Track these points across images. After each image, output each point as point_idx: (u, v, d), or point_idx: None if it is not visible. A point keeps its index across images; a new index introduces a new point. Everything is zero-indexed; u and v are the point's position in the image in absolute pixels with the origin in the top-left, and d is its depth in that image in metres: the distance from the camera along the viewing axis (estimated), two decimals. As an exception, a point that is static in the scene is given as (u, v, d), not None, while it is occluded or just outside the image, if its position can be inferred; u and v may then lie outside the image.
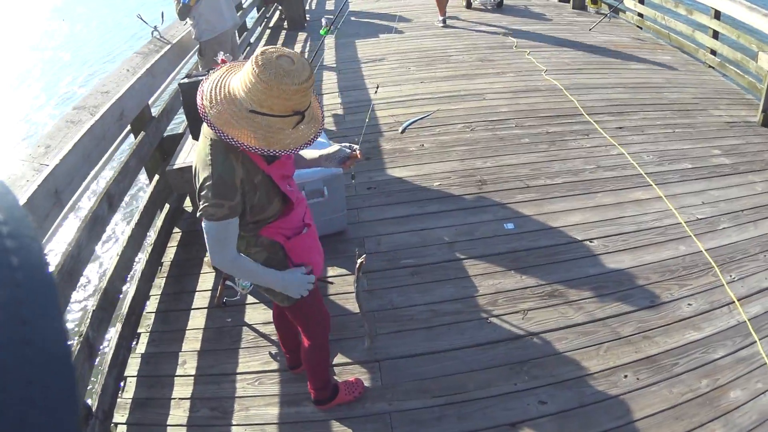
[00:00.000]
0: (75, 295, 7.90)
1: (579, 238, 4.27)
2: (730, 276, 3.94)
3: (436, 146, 5.95)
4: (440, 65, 8.37)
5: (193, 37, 6.19)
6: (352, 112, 7.23)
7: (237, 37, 6.83)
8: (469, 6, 11.33)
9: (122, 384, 3.92)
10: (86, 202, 4.18)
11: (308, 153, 2.84)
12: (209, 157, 2.20)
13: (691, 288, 3.76)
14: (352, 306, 4.02)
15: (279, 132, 2.12)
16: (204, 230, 2.32)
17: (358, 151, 2.78)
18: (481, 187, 5.11)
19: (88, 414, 3.40)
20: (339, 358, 3.68)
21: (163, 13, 5.89)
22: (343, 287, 4.21)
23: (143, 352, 4.14)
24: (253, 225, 2.46)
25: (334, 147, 2.80)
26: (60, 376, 0.36)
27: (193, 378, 3.82)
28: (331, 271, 4.42)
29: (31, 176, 3.36)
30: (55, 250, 4.58)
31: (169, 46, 5.91)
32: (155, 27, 5.82)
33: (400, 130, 6.24)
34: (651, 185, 4.80)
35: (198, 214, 2.28)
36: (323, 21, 5.29)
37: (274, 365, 3.73)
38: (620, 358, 3.33)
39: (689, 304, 3.63)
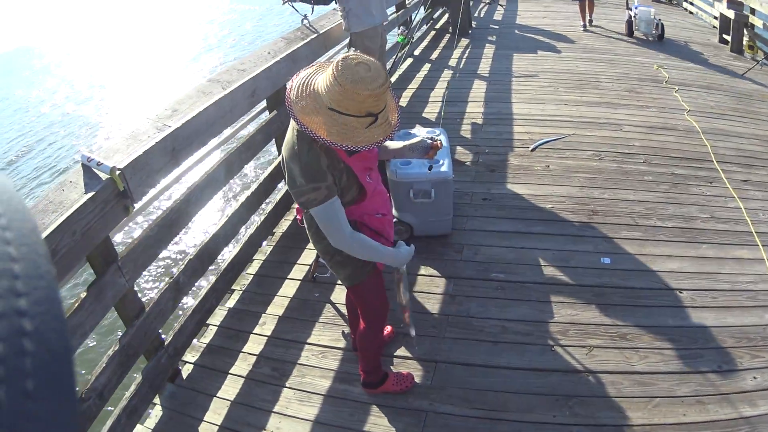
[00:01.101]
0: (177, 246, 8.49)
1: (670, 286, 4.10)
2: (809, 354, 3.64)
3: (561, 169, 5.87)
4: (588, 90, 8.20)
5: (344, 28, 6.39)
6: (490, 123, 7.25)
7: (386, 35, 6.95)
8: (630, 34, 10.97)
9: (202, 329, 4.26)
10: (204, 166, 4.42)
11: (393, 144, 3.01)
12: (296, 147, 2.42)
13: (762, 361, 3.50)
14: (431, 306, 4.17)
15: (353, 130, 2.28)
16: (315, 218, 2.54)
17: (439, 142, 2.98)
18: (591, 216, 5.01)
19: (159, 346, 3.70)
20: (402, 351, 3.82)
21: (313, 1, 6.09)
22: (428, 287, 4.34)
23: (231, 306, 4.50)
24: None
25: (418, 138, 3.00)
26: (59, 371, 0.35)
27: (266, 338, 4.12)
28: (423, 270, 4.53)
29: (152, 133, 3.61)
30: (164, 202, 4.92)
31: (315, 35, 6.06)
32: (305, 15, 6.01)
33: (530, 148, 6.33)
34: (757, 246, 4.50)
35: (302, 206, 2.54)
36: (400, 29, 5.32)
37: (341, 344, 3.94)
38: (666, 417, 3.18)
39: (754, 377, 3.39)
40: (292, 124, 2.46)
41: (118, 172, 3.15)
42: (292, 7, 6.02)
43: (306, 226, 2.88)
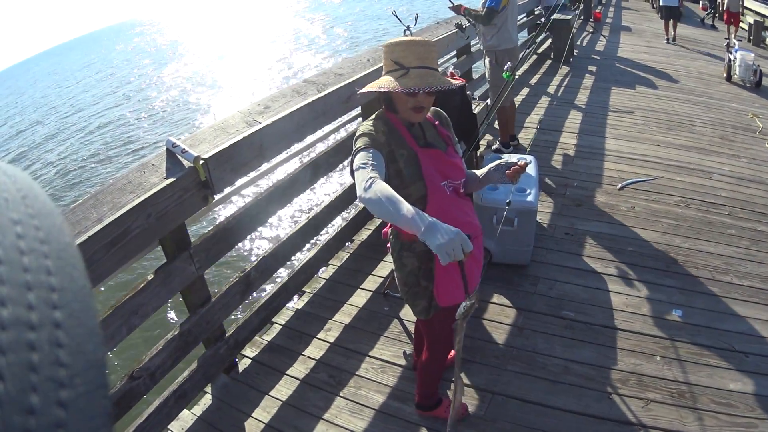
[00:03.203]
0: (252, 242, 8.65)
1: (736, 348, 3.94)
2: None
3: (646, 212, 5.73)
4: (681, 132, 7.96)
5: (485, 45, 6.61)
6: (582, 156, 7.17)
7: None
8: (729, 79, 10.56)
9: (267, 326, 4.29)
10: (291, 166, 4.45)
11: (481, 171, 2.86)
12: (362, 126, 2.53)
13: None
14: (497, 335, 4.14)
15: (388, 81, 2.42)
16: (353, 169, 2.34)
17: (522, 162, 2.71)
18: (669, 265, 4.86)
19: (220, 336, 3.75)
20: (462, 377, 3.78)
21: (417, 15, 6.10)
22: (498, 316, 4.33)
23: (299, 308, 4.51)
24: None
25: (503, 160, 2.82)
26: (93, 383, 0.35)
27: (329, 345, 4.11)
28: (495, 298, 4.52)
29: (241, 127, 3.64)
30: (246, 197, 4.92)
31: None
32: (408, 27, 6.03)
33: (618, 187, 6.24)
34: (832, 319, 4.33)
35: (350, 164, 2.42)
36: (507, 65, 5.30)
37: (402, 361, 3.92)
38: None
39: (807, 456, 3.21)
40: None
41: (201, 162, 3.16)
42: (396, 17, 6.09)
43: (390, 249, 2.78)
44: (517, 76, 5.38)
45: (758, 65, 10.35)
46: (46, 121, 28.71)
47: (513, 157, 5.05)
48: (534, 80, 10.62)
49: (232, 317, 4.05)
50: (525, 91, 9.98)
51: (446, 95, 4.21)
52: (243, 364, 3.98)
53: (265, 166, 4.12)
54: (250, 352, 4.07)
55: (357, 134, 2.47)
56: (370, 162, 2.29)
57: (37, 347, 0.32)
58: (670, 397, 3.59)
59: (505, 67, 5.29)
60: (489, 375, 3.79)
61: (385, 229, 2.86)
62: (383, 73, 2.51)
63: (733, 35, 12.89)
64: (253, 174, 4.02)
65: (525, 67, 11.37)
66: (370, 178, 2.18)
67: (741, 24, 15.11)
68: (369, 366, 3.89)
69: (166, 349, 3.25)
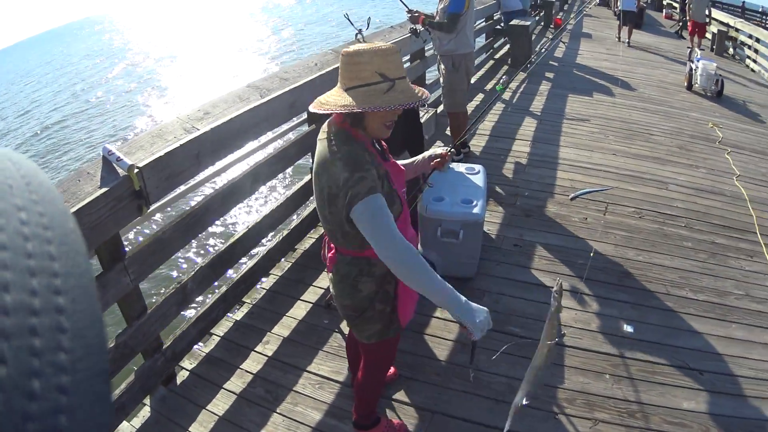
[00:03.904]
0: (188, 252, 8.48)
1: (690, 366, 3.91)
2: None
3: (599, 224, 5.71)
4: (638, 141, 8.04)
5: (440, 49, 6.57)
6: (534, 165, 7.15)
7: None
8: (689, 88, 10.76)
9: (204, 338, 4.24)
10: (231, 173, 4.42)
11: (408, 160, 2.97)
12: (332, 146, 2.33)
13: None
14: (439, 351, 4.06)
15: (370, 97, 2.25)
16: (359, 223, 2.26)
17: (446, 151, 2.93)
18: (621, 279, 4.84)
19: (157, 348, 3.71)
20: (401, 395, 3.71)
21: (369, 19, 6.03)
22: (441, 331, 4.24)
23: (238, 319, 4.45)
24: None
25: (429, 153, 2.97)
26: (94, 368, 0.35)
27: (266, 359, 4.05)
28: (439, 312, 4.42)
29: (179, 134, 3.61)
30: (184, 206, 4.81)
31: None
32: (360, 30, 5.98)
33: (570, 197, 6.16)
34: (792, 334, 4.33)
35: (348, 205, 2.24)
36: (501, 78, 5.33)
37: (341, 377, 3.85)
38: None
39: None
40: (321, 137, 2.45)
41: (136, 171, 3.14)
42: (348, 20, 5.99)
43: (332, 275, 2.69)
44: (472, 81, 5.28)
45: (720, 75, 10.56)
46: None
47: (461, 167, 5.02)
48: (489, 86, 10.60)
49: (171, 328, 4.01)
50: (479, 97, 9.95)
51: None
52: (181, 377, 3.95)
53: (205, 174, 4.10)
54: (188, 363, 4.05)
55: (339, 161, 2.29)
56: (386, 211, 2.24)
57: (40, 332, 0.33)
58: (619, 416, 3.53)
59: (501, 81, 5.24)
60: (430, 393, 3.72)
61: (330, 254, 2.69)
62: (352, 84, 2.30)
63: (697, 45, 13.10)
64: (191, 182, 3.98)
65: (481, 72, 11.37)
66: (401, 240, 2.22)
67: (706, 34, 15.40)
68: (307, 381, 3.84)
69: None
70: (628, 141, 8.05)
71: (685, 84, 10.97)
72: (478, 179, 4.92)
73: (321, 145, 2.41)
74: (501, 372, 3.86)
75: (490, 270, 4.96)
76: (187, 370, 3.99)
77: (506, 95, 10.10)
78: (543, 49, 10.87)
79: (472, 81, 10.57)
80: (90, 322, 0.37)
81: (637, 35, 16.20)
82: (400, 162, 2.83)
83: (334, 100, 2.31)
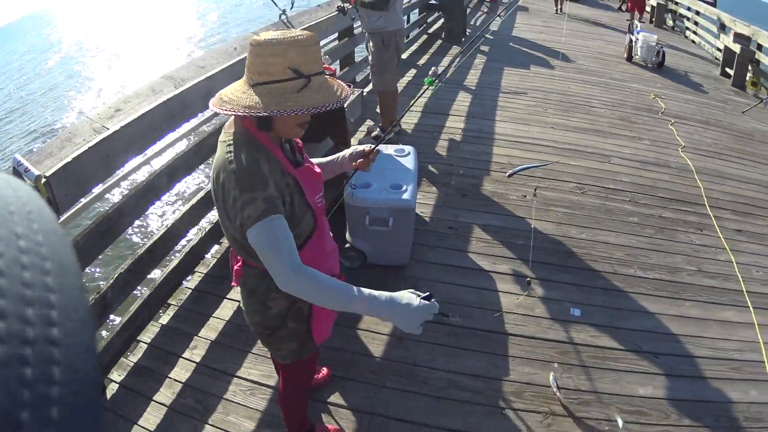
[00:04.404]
0: (106, 259, 8.10)
1: (644, 348, 3.76)
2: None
3: (538, 201, 5.50)
4: (578, 114, 7.94)
5: (369, 27, 6.34)
6: (469, 141, 6.95)
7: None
8: (629, 59, 10.81)
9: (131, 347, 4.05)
10: (148, 169, 4.30)
11: (330, 157, 2.77)
12: (228, 155, 2.05)
13: None
14: (373, 347, 3.85)
15: (280, 96, 1.98)
16: (254, 246, 2.04)
17: (368, 148, 2.70)
18: (565, 260, 4.68)
19: None
20: (336, 397, 3.50)
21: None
22: (375, 325, 4.00)
23: (165, 323, 4.23)
24: None
25: (351, 151, 2.74)
26: (85, 402, 0.35)
27: (194, 365, 3.85)
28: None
29: (88, 136, 3.42)
30: (97, 210, 4.67)
31: None
32: (283, 11, 5.71)
33: (508, 174, 5.92)
34: (748, 308, 4.20)
35: (240, 227, 2.03)
36: (432, 69, 5.11)
37: (272, 381, 3.64)
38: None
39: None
40: (221, 139, 2.16)
41: (43, 181, 3.02)
42: (272, 0, 5.68)
43: (240, 289, 2.49)
44: (404, 57, 5.04)
45: (662, 46, 10.55)
46: None
47: (390, 149, 4.75)
48: (422, 61, 10.41)
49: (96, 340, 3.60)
50: (412, 72, 9.77)
51: None
52: (111, 390, 3.72)
53: (119, 175, 3.90)
54: (117, 375, 3.83)
55: (233, 174, 2.03)
56: (281, 236, 2.00)
57: (32, 363, 0.34)
58: (572, 407, 3.35)
59: (430, 72, 4.97)
60: (366, 393, 3.53)
61: (236, 266, 2.45)
62: (260, 80, 2.02)
63: (636, 19, 13.11)
64: (105, 185, 3.84)
65: (414, 47, 11.15)
66: (298, 269, 1.99)
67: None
68: (237, 388, 3.65)
69: None
70: (568, 114, 7.94)
71: (625, 56, 11.00)
72: (408, 161, 4.76)
73: (219, 150, 2.12)
74: (439, 366, 3.66)
75: (424, 256, 4.75)
76: (116, 382, 3.77)
77: (440, 70, 9.86)
78: (475, 22, 10.73)
79: (404, 57, 10.38)
80: (84, 356, 0.37)
81: (576, 8, 16.23)
82: (317, 161, 2.63)
83: (238, 98, 2.04)
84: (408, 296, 2.03)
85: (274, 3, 5.58)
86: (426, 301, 2.03)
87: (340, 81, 2.20)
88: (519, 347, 3.78)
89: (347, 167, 2.76)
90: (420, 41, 11.57)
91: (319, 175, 2.37)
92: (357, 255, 4.52)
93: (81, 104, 22.01)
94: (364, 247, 4.49)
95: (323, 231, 2.37)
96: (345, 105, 2.12)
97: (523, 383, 3.51)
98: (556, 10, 15.85)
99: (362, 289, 2.03)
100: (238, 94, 2.05)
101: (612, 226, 5.18)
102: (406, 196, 4.27)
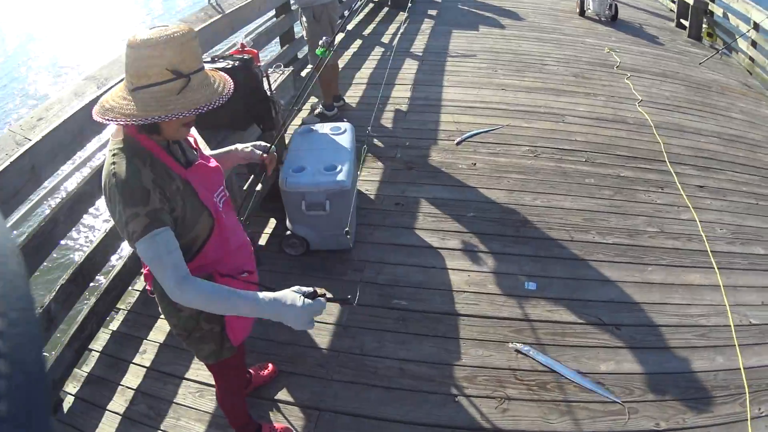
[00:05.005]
0: (47, 272, 7.87)
1: (604, 321, 3.64)
2: (759, 409, 3.17)
3: (489, 168, 5.41)
4: (530, 73, 7.77)
5: (299, 1, 6.24)
6: (416, 111, 6.76)
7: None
8: (582, 14, 10.65)
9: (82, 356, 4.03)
10: (78, 177, 4.20)
11: (221, 150, 2.78)
12: (111, 167, 2.03)
13: (708, 417, 3.09)
14: (320, 339, 3.75)
15: (161, 99, 1.96)
16: (142, 258, 2.10)
17: (266, 158, 2.72)
18: (518, 229, 4.54)
19: None
20: (284, 394, 3.44)
21: None
22: (326, 316, 3.87)
23: (115, 329, 4.22)
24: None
25: (248, 146, 2.76)
26: (33, 394, 0.36)
27: (145, 370, 3.85)
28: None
29: (10, 149, 3.36)
30: (29, 224, 4.56)
31: (220, 15, 5.71)
32: None
33: (456, 141, 5.76)
34: (713, 269, 4.10)
35: (128, 241, 2.05)
36: (322, 39, 4.97)
37: None
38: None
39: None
40: (108, 145, 2.13)
41: None
42: None
43: (155, 296, 2.46)
44: (331, 50, 4.86)
45: None
46: None
47: (326, 126, 4.58)
48: (368, 31, 10.20)
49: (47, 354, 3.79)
50: (357, 43, 9.54)
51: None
52: (67, 403, 3.71)
53: (48, 186, 4.03)
54: (72, 387, 3.83)
55: (116, 188, 2.00)
56: (164, 250, 2.02)
57: None
58: (528, 391, 3.27)
59: (320, 42, 4.75)
60: (314, 388, 3.49)
61: (146, 270, 2.42)
62: (139, 83, 1.96)
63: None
64: (34, 198, 3.95)
65: (360, 16, 10.88)
66: (184, 280, 2.03)
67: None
68: (186, 391, 3.63)
69: None
70: (520, 74, 7.77)
71: (578, 10, 10.82)
72: (344, 139, 4.65)
73: (106, 159, 2.11)
74: (388, 354, 3.57)
75: (369, 236, 4.62)
76: (71, 395, 3.77)
77: (386, 38, 9.70)
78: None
79: (349, 28, 10.13)
80: (29, 347, 0.38)
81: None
82: (211, 153, 2.64)
83: (120, 104, 1.99)
84: (292, 296, 2.07)
85: None
86: (310, 300, 2.07)
87: (222, 74, 2.22)
88: (471, 328, 3.67)
89: (243, 160, 2.78)
90: (367, 10, 11.28)
91: (215, 169, 2.37)
92: (299, 242, 4.42)
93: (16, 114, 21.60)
94: (305, 233, 4.38)
95: (225, 229, 2.33)
96: (226, 99, 1.96)
97: (476, 367, 3.40)
98: None
99: (248, 293, 2.10)
100: (119, 100, 2.01)
101: (568, 190, 5.04)
102: (341, 177, 4.18)
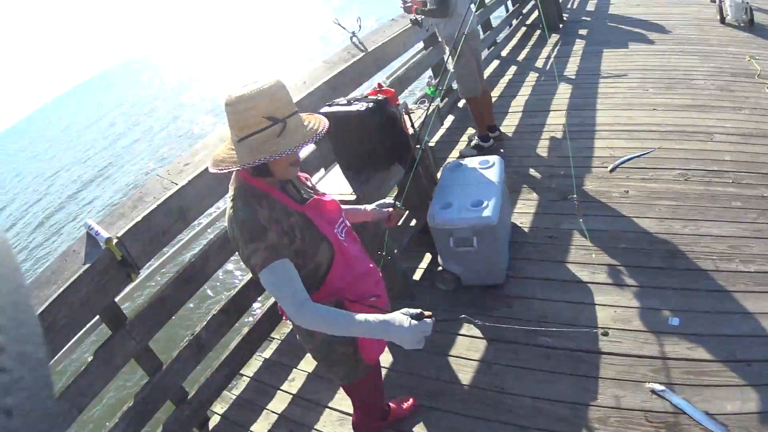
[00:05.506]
0: (199, 302, 8.31)
1: (737, 357, 3.43)
2: None
3: (642, 195, 5.26)
4: (679, 89, 7.41)
5: (441, 35, 6.24)
6: (571, 137, 6.61)
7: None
8: (723, 21, 9.98)
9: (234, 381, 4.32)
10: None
11: (353, 206, 2.96)
12: (231, 211, 2.20)
13: None
14: (463, 375, 3.84)
15: (263, 144, 2.10)
16: (266, 288, 2.23)
17: (393, 211, 2.94)
18: (667, 260, 4.37)
19: (182, 399, 3.88)
20: (419, 427, 3.56)
21: (360, 19, 5.89)
22: (466, 350, 4.01)
23: (267, 356, 4.47)
24: (308, 284, 2.26)
25: (374, 206, 2.97)
26: (38, 385, 0.35)
27: (291, 396, 4.05)
28: (465, 329, 4.19)
29: (158, 193, 3.62)
30: (182, 258, 4.74)
31: (363, 53, 5.75)
32: (353, 33, 5.78)
33: (609, 168, 5.75)
34: None
35: (252, 273, 2.21)
36: (428, 78, 5.00)
37: None
38: None
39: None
40: (228, 192, 2.30)
41: (115, 242, 3.21)
42: (338, 24, 5.76)
43: (292, 325, 2.61)
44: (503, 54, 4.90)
45: (748, 2, 9.69)
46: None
47: (475, 161, 4.69)
48: (522, 56, 10.16)
49: (198, 375, 4.13)
50: (512, 70, 9.56)
51: (361, 118, 3.84)
52: (213, 421, 4.04)
53: (203, 223, 4.28)
54: (219, 408, 4.13)
55: (237, 226, 2.17)
56: (283, 279, 2.16)
57: None
58: None
59: (426, 80, 4.86)
60: (449, 423, 3.53)
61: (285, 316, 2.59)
62: (242, 134, 2.12)
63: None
64: (188, 234, 4.15)
65: (513, 42, 10.91)
66: (303, 305, 2.15)
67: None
68: (328, 419, 3.78)
69: (123, 419, 3.41)
70: (669, 91, 7.43)
71: (718, 18, 10.12)
72: (492, 173, 4.62)
73: (227, 205, 2.28)
74: (527, 392, 3.58)
75: (521, 270, 4.64)
76: (218, 414, 4.07)
77: (539, 63, 9.66)
78: (571, 5, 10.32)
79: (504, 53, 10.20)
80: (29, 337, 0.37)
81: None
82: (347, 207, 2.80)
83: (230, 155, 2.18)
84: (400, 318, 2.11)
85: (342, 27, 5.67)
86: (415, 321, 2.09)
87: (316, 115, 2.31)
88: (612, 367, 3.59)
89: (372, 217, 2.95)
90: (519, 34, 11.25)
91: (332, 203, 2.47)
92: (450, 277, 4.47)
93: (172, 154, 22.91)
94: (456, 269, 4.42)
95: (348, 257, 2.43)
96: (321, 136, 2.21)
97: (610, 408, 3.34)
98: None
99: (362, 315, 2.14)
100: (228, 152, 2.18)
101: (716, 215, 4.77)
102: (487, 213, 4.15)
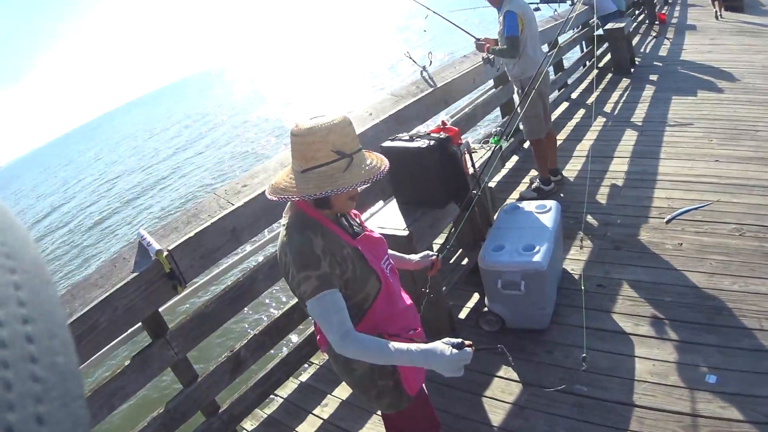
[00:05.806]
0: (241, 320, 8.30)
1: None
2: None
3: (694, 248, 5.08)
4: (744, 141, 7.13)
5: (510, 74, 6.21)
6: (631, 185, 6.57)
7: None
8: None
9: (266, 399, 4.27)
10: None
11: (399, 255, 2.90)
12: (286, 238, 2.22)
13: None
14: (494, 416, 3.77)
15: (329, 177, 2.11)
16: (312, 316, 2.25)
17: (435, 259, 2.93)
18: (711, 317, 4.20)
19: (214, 412, 3.81)
20: None
21: (431, 53, 5.90)
22: (500, 393, 3.93)
23: (303, 380, 4.43)
24: (353, 312, 2.27)
25: (418, 257, 2.94)
26: (70, 395, 0.35)
27: (321, 422, 3.99)
28: (503, 371, 4.12)
29: (213, 211, 3.63)
30: (231, 277, 4.74)
31: (431, 89, 5.67)
32: (424, 67, 5.77)
33: (666, 219, 5.63)
34: None
35: (300, 300, 2.22)
36: (494, 129, 4.93)
37: None
38: None
39: None
40: (282, 220, 2.35)
41: (165, 254, 3.24)
42: (409, 58, 5.81)
43: (330, 358, 2.60)
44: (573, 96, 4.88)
45: None
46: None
47: (532, 205, 4.68)
48: (591, 99, 10.00)
49: (231, 390, 4.12)
50: (580, 113, 9.43)
51: (421, 155, 3.86)
52: None
53: (255, 241, 4.26)
54: (249, 425, 4.10)
55: (291, 253, 2.19)
56: (332, 309, 2.15)
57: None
58: None
59: (493, 130, 4.84)
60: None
61: (319, 336, 2.56)
62: (308, 165, 2.14)
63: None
64: (238, 254, 4.19)
65: (584, 84, 10.78)
66: (349, 335, 2.14)
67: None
68: None
69: (151, 425, 3.41)
70: (733, 143, 7.17)
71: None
72: (547, 219, 4.57)
73: (281, 232, 2.31)
74: None
75: (566, 318, 4.54)
76: (247, 431, 4.04)
77: (608, 107, 9.51)
78: (645, 49, 10.13)
79: (574, 96, 10.10)
80: (61, 347, 0.36)
81: (739, 17, 14.81)
82: (395, 254, 2.83)
83: (291, 185, 2.19)
84: (441, 347, 2.11)
85: (413, 60, 5.70)
86: (456, 350, 2.09)
87: (377, 154, 2.33)
88: (642, 420, 3.47)
89: (415, 266, 2.94)
90: (590, 77, 11.08)
91: (379, 240, 2.50)
92: (495, 319, 4.41)
93: (231, 171, 23.18)
94: (501, 311, 4.36)
95: (391, 291, 2.44)
96: (382, 176, 2.26)
97: None
98: (717, 15, 15.15)
99: (403, 344, 2.15)
100: (290, 181, 2.19)
101: (766, 273, 4.56)
102: (537, 258, 4.10)
